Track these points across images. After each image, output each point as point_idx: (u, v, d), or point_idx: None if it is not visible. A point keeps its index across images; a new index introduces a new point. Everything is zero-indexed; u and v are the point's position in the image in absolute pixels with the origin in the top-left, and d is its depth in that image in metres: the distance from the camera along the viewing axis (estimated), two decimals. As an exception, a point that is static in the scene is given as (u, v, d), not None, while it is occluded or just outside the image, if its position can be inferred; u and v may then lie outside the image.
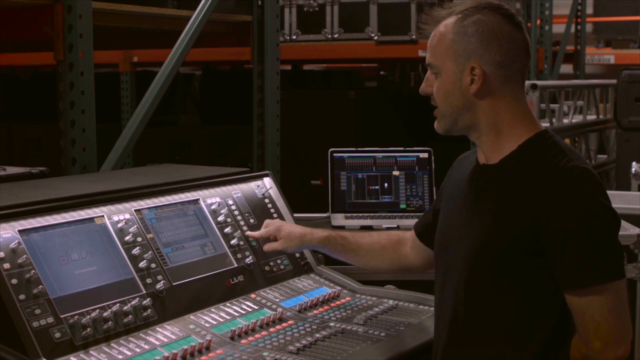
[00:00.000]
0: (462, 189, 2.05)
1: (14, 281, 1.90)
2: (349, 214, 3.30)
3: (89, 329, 1.95)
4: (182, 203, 2.41)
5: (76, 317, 1.95)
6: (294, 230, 2.43)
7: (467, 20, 1.95)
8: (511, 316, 1.92)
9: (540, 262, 1.88)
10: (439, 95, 1.99)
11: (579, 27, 8.59)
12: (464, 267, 1.97)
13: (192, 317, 2.18)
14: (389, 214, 3.29)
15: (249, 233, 2.51)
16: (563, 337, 1.91)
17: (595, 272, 1.83)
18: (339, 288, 2.53)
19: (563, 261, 1.84)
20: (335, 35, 5.58)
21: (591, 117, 6.33)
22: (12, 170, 2.91)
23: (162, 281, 2.18)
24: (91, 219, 2.16)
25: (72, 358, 1.89)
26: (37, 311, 1.89)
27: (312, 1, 5.60)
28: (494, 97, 1.96)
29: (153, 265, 2.20)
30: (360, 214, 3.29)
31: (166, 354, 1.97)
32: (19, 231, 1.99)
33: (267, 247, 2.47)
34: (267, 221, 2.52)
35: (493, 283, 1.93)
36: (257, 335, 2.15)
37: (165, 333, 2.07)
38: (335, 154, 3.37)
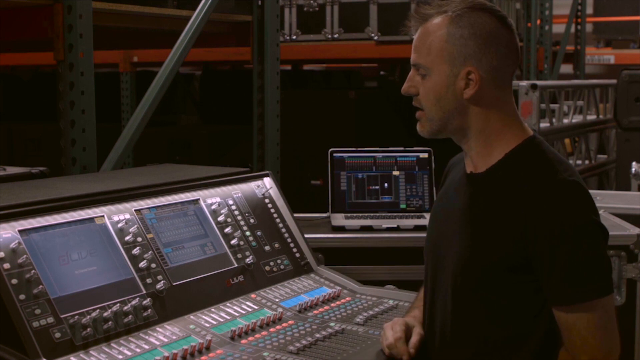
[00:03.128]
0: (452, 196, 2.02)
1: (14, 281, 1.89)
2: (349, 214, 3.29)
3: (89, 329, 1.94)
4: (182, 203, 2.41)
5: (76, 317, 1.95)
6: (410, 323, 2.06)
7: (462, 21, 1.88)
8: (499, 329, 1.89)
9: (527, 278, 1.85)
10: (427, 98, 1.93)
11: (579, 27, 8.60)
12: (451, 278, 1.95)
13: (192, 317, 2.18)
14: (389, 214, 3.29)
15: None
16: (551, 349, 1.89)
17: (584, 290, 1.80)
18: (339, 288, 2.53)
19: (552, 277, 1.82)
20: (335, 35, 5.58)
21: (591, 117, 6.33)
22: (12, 170, 2.91)
23: (162, 281, 2.17)
24: (91, 219, 2.16)
25: (72, 358, 1.88)
26: (37, 311, 1.89)
27: (312, 1, 5.60)
28: (486, 102, 1.91)
29: (153, 265, 2.20)
30: (360, 214, 3.29)
31: (166, 354, 1.96)
32: (19, 231, 1.99)
33: (413, 345, 1.99)
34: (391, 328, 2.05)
35: (480, 296, 1.90)
36: (257, 335, 2.15)
37: (166, 333, 2.07)
38: (335, 154, 3.36)
